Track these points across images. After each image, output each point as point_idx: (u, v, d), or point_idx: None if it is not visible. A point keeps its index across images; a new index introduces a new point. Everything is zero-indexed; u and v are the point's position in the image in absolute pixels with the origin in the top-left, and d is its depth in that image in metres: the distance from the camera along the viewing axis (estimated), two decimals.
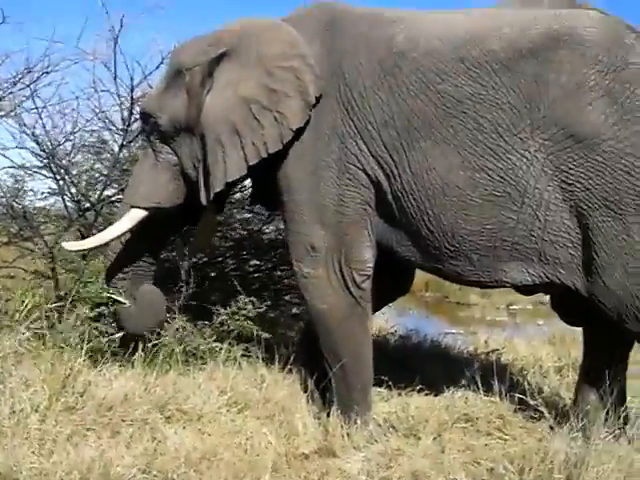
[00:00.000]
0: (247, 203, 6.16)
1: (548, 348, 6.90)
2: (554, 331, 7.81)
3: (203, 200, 4.24)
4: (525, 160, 3.65)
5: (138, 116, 5.36)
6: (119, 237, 4.50)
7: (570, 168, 3.60)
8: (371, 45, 3.97)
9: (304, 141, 4.02)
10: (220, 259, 6.66)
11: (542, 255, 3.77)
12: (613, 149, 3.55)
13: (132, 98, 6.01)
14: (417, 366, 5.37)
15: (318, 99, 3.99)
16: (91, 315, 4.78)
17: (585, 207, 3.62)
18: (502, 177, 3.69)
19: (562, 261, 3.76)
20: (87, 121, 6.33)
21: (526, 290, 4.14)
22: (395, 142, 3.84)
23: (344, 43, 4.05)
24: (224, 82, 4.12)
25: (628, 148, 3.55)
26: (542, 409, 4.13)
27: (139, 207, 4.41)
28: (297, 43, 4.05)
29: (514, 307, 12.41)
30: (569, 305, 4.23)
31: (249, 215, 6.73)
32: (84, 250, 5.08)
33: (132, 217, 4.42)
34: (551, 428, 4.06)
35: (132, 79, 6.06)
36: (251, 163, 4.03)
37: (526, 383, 4.45)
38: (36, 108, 6.12)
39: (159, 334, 4.85)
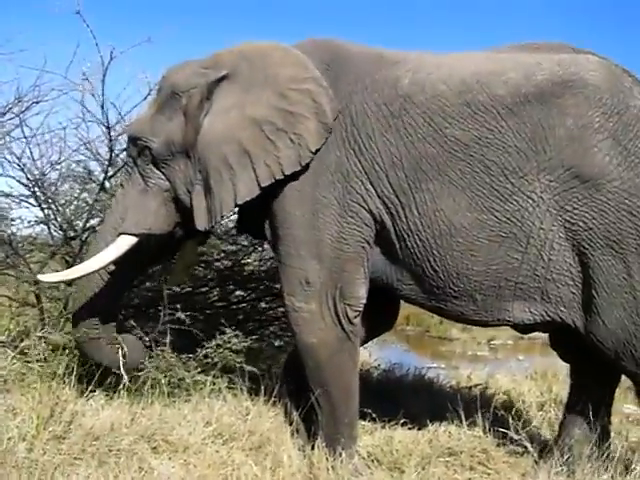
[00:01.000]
0: (231, 233, 6.16)
1: (530, 383, 6.93)
2: (535, 366, 7.89)
3: (203, 225, 4.11)
4: (531, 201, 3.72)
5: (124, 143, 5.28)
6: (106, 266, 4.30)
7: (574, 208, 3.68)
8: (377, 87, 3.99)
9: (305, 175, 3.98)
10: (204, 289, 6.65)
11: (544, 294, 3.83)
12: (617, 189, 3.64)
13: (109, 133, 6.05)
14: (400, 400, 5.38)
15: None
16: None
17: (587, 246, 3.69)
18: (508, 218, 3.75)
19: (564, 300, 3.82)
20: (73, 151, 6.34)
21: (525, 328, 4.17)
22: (402, 183, 3.87)
23: (349, 83, 4.06)
24: (227, 104, 4.04)
25: (632, 189, 3.64)
26: (526, 443, 4.18)
27: (129, 234, 4.25)
28: (308, 65, 4.05)
29: (495, 342, 12.51)
30: (566, 342, 4.29)
31: (234, 247, 6.72)
32: (68, 281, 4.80)
33: (120, 244, 4.24)
34: (535, 462, 4.10)
35: (120, 113, 6.12)
36: (263, 185, 3.95)
37: (509, 418, 4.45)
38: (25, 137, 6.16)
39: (144, 365, 4.87)
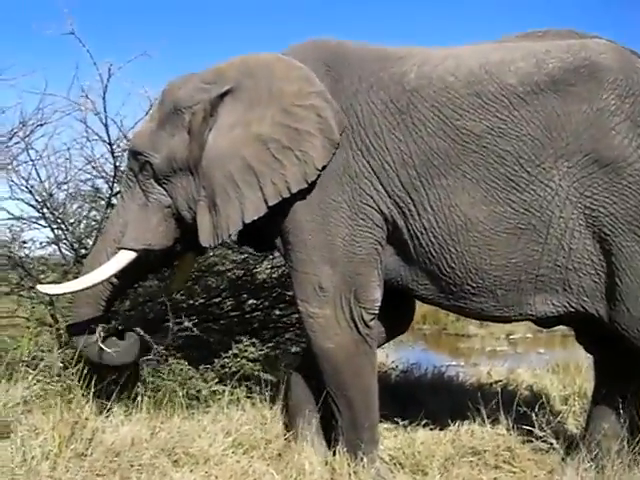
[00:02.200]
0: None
1: (552, 377, 6.85)
2: (556, 359, 7.83)
3: (208, 242, 4.08)
4: (549, 190, 3.67)
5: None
6: (106, 280, 4.31)
7: (594, 193, 3.63)
8: (382, 84, 3.94)
9: (313, 180, 3.92)
10: (217, 300, 6.66)
11: (566, 284, 3.77)
12: (638, 172, 3.60)
13: (112, 150, 6.06)
14: (420, 400, 5.37)
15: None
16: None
17: (609, 232, 3.64)
18: (527, 209, 3.70)
19: (586, 289, 3.76)
20: (79, 170, 6.37)
21: (547, 322, 4.11)
22: (414, 181, 3.82)
23: (353, 83, 4.01)
24: (231, 120, 4.00)
25: None
26: (551, 440, 4.14)
27: (129, 249, 4.26)
28: (312, 79, 3.97)
29: (514, 336, 12.43)
30: (590, 333, 4.24)
31: (244, 255, 6.72)
32: (64, 294, 4.79)
33: (120, 259, 4.25)
34: (562, 459, 4.06)
35: (120, 129, 6.14)
36: (271, 203, 3.89)
37: (533, 413, 4.40)
38: (31, 160, 6.20)
39: (162, 379, 4.88)
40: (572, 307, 3.82)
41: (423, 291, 4.09)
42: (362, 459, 3.99)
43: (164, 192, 4.27)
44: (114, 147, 6.04)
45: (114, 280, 4.37)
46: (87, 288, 4.30)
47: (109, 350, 4.42)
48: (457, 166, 3.76)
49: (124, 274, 4.34)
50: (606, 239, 3.65)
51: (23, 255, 6.08)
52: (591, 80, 3.68)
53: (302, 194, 3.94)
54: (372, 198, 3.90)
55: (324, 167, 3.90)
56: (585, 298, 3.78)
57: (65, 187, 6.34)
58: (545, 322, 4.12)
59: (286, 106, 3.93)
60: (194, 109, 4.09)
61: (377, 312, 4.08)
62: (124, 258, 4.26)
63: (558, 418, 4.70)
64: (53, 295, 5.22)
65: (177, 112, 4.16)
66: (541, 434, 4.22)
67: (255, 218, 3.94)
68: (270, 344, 5.61)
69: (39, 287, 4.59)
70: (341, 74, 4.07)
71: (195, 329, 5.06)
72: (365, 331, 4.05)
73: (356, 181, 3.91)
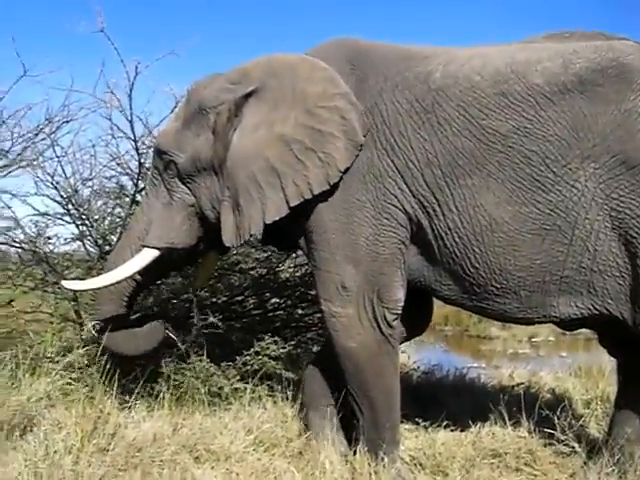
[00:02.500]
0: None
1: (574, 380, 6.79)
2: (579, 363, 7.77)
3: (231, 241, 4.11)
4: (575, 191, 3.63)
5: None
6: (129, 277, 4.36)
7: (621, 195, 3.58)
8: (408, 83, 3.93)
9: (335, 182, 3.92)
10: (240, 298, 6.68)
11: (590, 286, 3.73)
12: None
13: (137, 147, 6.11)
14: (442, 401, 5.34)
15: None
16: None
17: (635, 234, 3.60)
18: (552, 210, 3.66)
19: (610, 291, 3.71)
20: (103, 166, 6.46)
21: (570, 325, 4.06)
22: (439, 180, 3.80)
23: (378, 82, 4.00)
24: (255, 121, 4.01)
25: None
26: (573, 443, 4.11)
27: (153, 247, 4.31)
28: (337, 80, 3.96)
29: (536, 339, 12.37)
30: (613, 336, 4.19)
31: (267, 254, 6.74)
32: (89, 290, 4.89)
33: (144, 257, 4.30)
34: (584, 463, 4.03)
35: (145, 125, 6.20)
36: (292, 204, 3.90)
37: (555, 417, 4.37)
38: (57, 156, 6.29)
39: (185, 375, 4.90)
40: (596, 309, 3.78)
41: (446, 291, 4.07)
42: (383, 459, 3.98)
43: (188, 191, 4.30)
44: (139, 144, 6.10)
45: (137, 277, 4.41)
46: (111, 285, 4.35)
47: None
48: (482, 166, 3.73)
49: (147, 271, 4.38)
50: (632, 242, 3.61)
51: (48, 251, 6.15)
52: (619, 81, 3.64)
53: (326, 193, 3.93)
54: (396, 197, 3.89)
55: (347, 169, 3.90)
56: (609, 301, 3.73)
57: (90, 184, 6.45)
58: (568, 324, 4.06)
59: (310, 107, 3.93)
60: (219, 109, 4.10)
61: (400, 312, 4.07)
62: (147, 256, 4.30)
63: (580, 422, 4.66)
64: (77, 291, 5.31)
65: (202, 112, 4.18)
66: (563, 437, 4.20)
67: (277, 218, 3.95)
68: (292, 342, 5.62)
69: (63, 283, 4.65)
70: (366, 73, 4.06)
71: (220, 324, 5.10)
72: (388, 331, 4.04)
73: (380, 180, 3.90)
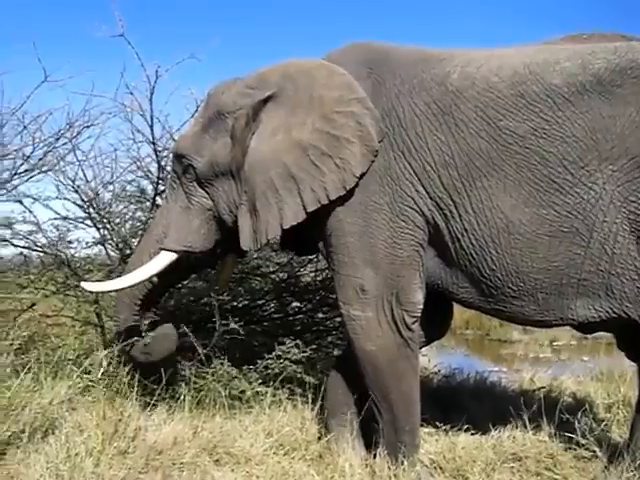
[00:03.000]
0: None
1: (596, 385, 6.75)
2: (600, 367, 7.72)
3: (248, 245, 4.14)
4: (593, 193, 3.59)
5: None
6: (147, 280, 4.42)
7: (639, 198, 3.56)
8: (425, 85, 3.92)
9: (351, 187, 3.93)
10: (261, 302, 6.70)
11: (609, 289, 3.69)
12: None
13: (156, 150, 6.14)
14: (462, 405, 5.34)
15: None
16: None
17: None
18: (569, 212, 3.63)
19: (629, 295, 3.67)
20: (123, 170, 6.49)
21: (588, 328, 4.04)
22: (455, 182, 3.79)
23: (395, 85, 4.00)
24: (273, 126, 4.04)
25: None
26: (594, 447, 4.09)
27: (171, 250, 4.36)
28: (354, 86, 3.98)
29: (557, 343, 12.28)
30: (632, 340, 4.16)
31: (288, 258, 6.75)
32: (108, 292, 4.98)
33: (162, 260, 4.35)
34: (605, 467, 4.00)
35: (165, 128, 6.24)
36: (309, 210, 3.93)
37: (576, 421, 4.36)
38: (78, 161, 6.33)
39: (205, 379, 4.92)
40: (614, 313, 3.74)
41: (463, 294, 4.05)
42: (402, 462, 3.97)
43: (206, 195, 4.35)
44: (159, 148, 6.12)
45: (155, 280, 4.46)
46: (129, 287, 4.42)
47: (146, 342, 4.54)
48: (499, 167, 3.72)
49: (165, 275, 4.43)
50: None
51: (69, 255, 6.19)
52: (638, 82, 3.60)
53: (343, 197, 3.94)
54: (413, 200, 3.88)
55: (362, 174, 3.91)
56: (628, 304, 3.69)
57: (111, 187, 6.47)
58: (586, 327, 4.03)
59: (326, 113, 3.95)
60: (237, 114, 4.13)
61: (419, 315, 4.06)
62: (165, 259, 4.35)
63: (601, 426, 4.65)
64: (96, 292, 5.36)
65: (220, 117, 4.22)
66: (584, 441, 4.18)
67: (294, 224, 3.98)
68: (312, 346, 5.62)
69: (83, 284, 4.71)
70: (383, 76, 4.06)
71: (241, 331, 5.12)
72: (407, 334, 4.03)
73: (397, 183, 3.90)
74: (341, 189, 3.90)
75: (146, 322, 4.61)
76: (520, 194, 3.69)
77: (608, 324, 3.89)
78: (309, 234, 4.25)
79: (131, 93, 6.06)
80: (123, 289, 4.46)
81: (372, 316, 4.01)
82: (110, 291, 4.78)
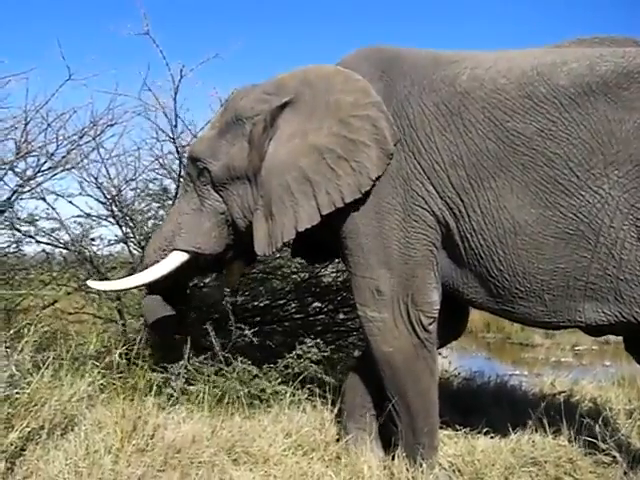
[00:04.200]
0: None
1: (617, 390, 6.70)
2: (622, 372, 7.66)
3: (263, 250, 4.16)
4: (599, 197, 3.58)
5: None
6: (158, 279, 4.46)
7: None
8: (434, 87, 3.94)
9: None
10: (282, 302, 6.71)
11: (618, 294, 3.68)
12: None
13: (177, 149, 6.19)
14: (482, 408, 5.32)
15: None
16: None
17: None
18: (575, 214, 3.63)
19: (638, 300, 3.66)
20: (145, 167, 6.55)
21: (596, 331, 4.01)
22: (464, 182, 3.80)
23: (405, 87, 4.03)
24: (290, 131, 4.07)
25: None
26: (614, 453, 4.06)
27: (182, 250, 4.41)
28: (369, 90, 4.01)
29: (579, 348, 12.20)
30: None
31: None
32: (116, 291, 5.17)
33: (173, 260, 4.42)
34: (624, 473, 3.97)
35: (187, 127, 6.28)
36: (324, 212, 3.95)
37: (596, 426, 4.32)
38: (101, 159, 6.39)
39: (226, 378, 4.93)
40: (624, 317, 3.72)
41: (472, 295, 4.06)
42: (421, 464, 3.97)
43: (219, 199, 4.40)
44: (182, 146, 6.15)
45: (165, 280, 4.50)
46: (136, 287, 4.58)
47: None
48: (507, 168, 3.73)
49: (173, 275, 4.48)
50: None
51: (92, 252, 6.23)
52: None
53: (358, 199, 3.97)
54: (424, 199, 3.90)
55: (378, 177, 3.92)
56: (638, 310, 3.68)
57: (133, 185, 6.51)
58: (595, 330, 3.99)
59: (342, 117, 3.98)
60: (255, 120, 4.19)
61: (436, 315, 4.07)
62: (176, 260, 4.43)
63: (622, 431, 4.60)
64: (102, 291, 5.53)
65: (238, 122, 4.28)
66: (604, 446, 4.14)
67: (309, 227, 4.00)
68: (332, 347, 5.62)
69: (89, 283, 4.84)
70: (394, 79, 4.10)
71: (254, 339, 5.15)
72: (424, 335, 4.04)
73: (408, 183, 3.92)
74: (357, 192, 3.92)
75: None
76: (526, 195, 3.70)
77: (618, 328, 3.87)
78: (322, 240, 4.30)
79: (149, 89, 6.11)
80: (130, 289, 4.58)
81: (388, 317, 4.03)
82: (115, 290, 5.00)
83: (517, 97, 3.74)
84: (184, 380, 4.90)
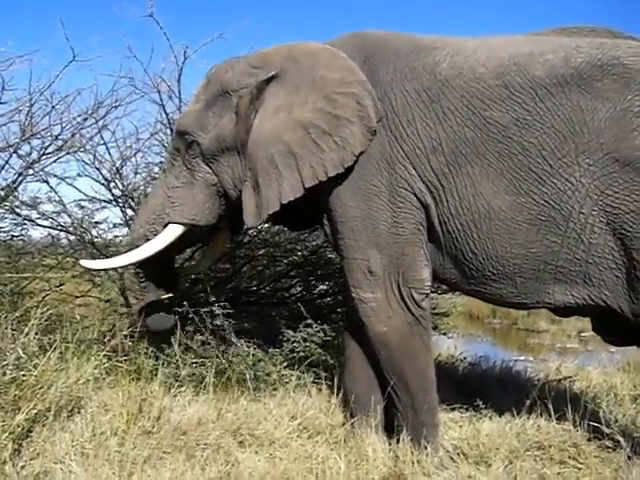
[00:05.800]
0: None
1: (622, 376, 6.74)
2: (628, 358, 7.66)
3: (252, 222, 4.23)
4: (570, 185, 3.70)
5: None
6: (155, 254, 4.46)
7: (615, 192, 3.64)
8: (416, 74, 4.01)
9: (352, 167, 4.02)
10: (287, 285, 6.72)
11: (587, 277, 3.81)
12: None
13: None
14: (487, 393, 5.31)
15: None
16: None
17: (630, 229, 3.64)
18: (547, 201, 3.74)
19: (607, 283, 3.78)
20: (147, 149, 6.53)
21: (564, 312, 4.17)
22: (443, 167, 3.89)
23: (388, 73, 4.09)
24: (275, 105, 4.13)
25: None
26: (618, 438, 4.05)
27: (177, 223, 4.44)
28: (355, 69, 4.07)
29: (585, 334, 12.19)
30: (611, 326, 4.16)
31: (314, 242, 6.74)
32: (110, 269, 5.25)
33: (169, 234, 4.44)
34: (628, 457, 3.97)
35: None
36: (307, 185, 4.02)
37: (600, 411, 4.35)
38: (104, 142, 6.36)
39: (231, 361, 4.93)
40: (592, 300, 3.85)
41: (448, 275, 4.17)
42: (426, 447, 4.00)
43: (210, 171, 4.43)
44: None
45: (158, 255, 4.49)
46: (132, 264, 4.57)
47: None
48: (483, 155, 3.83)
49: (168, 249, 4.50)
50: (627, 236, 3.66)
51: (96, 235, 6.23)
52: (618, 80, 3.68)
53: (345, 182, 4.04)
54: (407, 182, 3.98)
55: (361, 153, 3.98)
56: (607, 292, 3.80)
57: (135, 167, 6.48)
58: (563, 312, 4.17)
59: (328, 93, 4.04)
60: (241, 92, 4.24)
61: (428, 292, 4.15)
62: (171, 234, 4.45)
63: (626, 417, 4.61)
64: (96, 270, 5.57)
65: (225, 94, 4.33)
66: (608, 431, 4.14)
67: (292, 199, 4.06)
68: (337, 326, 5.61)
69: (81, 262, 4.86)
70: (377, 64, 4.15)
71: (226, 322, 5.04)
72: (418, 312, 4.10)
73: (392, 166, 3.99)
74: (339, 167, 3.98)
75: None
76: (501, 182, 3.81)
77: (585, 309, 4.00)
78: (306, 211, 4.38)
79: (163, 80, 6.08)
80: (127, 266, 4.63)
81: (381, 297, 4.09)
82: (109, 269, 5.09)
83: (494, 86, 3.83)
84: (189, 364, 4.88)
